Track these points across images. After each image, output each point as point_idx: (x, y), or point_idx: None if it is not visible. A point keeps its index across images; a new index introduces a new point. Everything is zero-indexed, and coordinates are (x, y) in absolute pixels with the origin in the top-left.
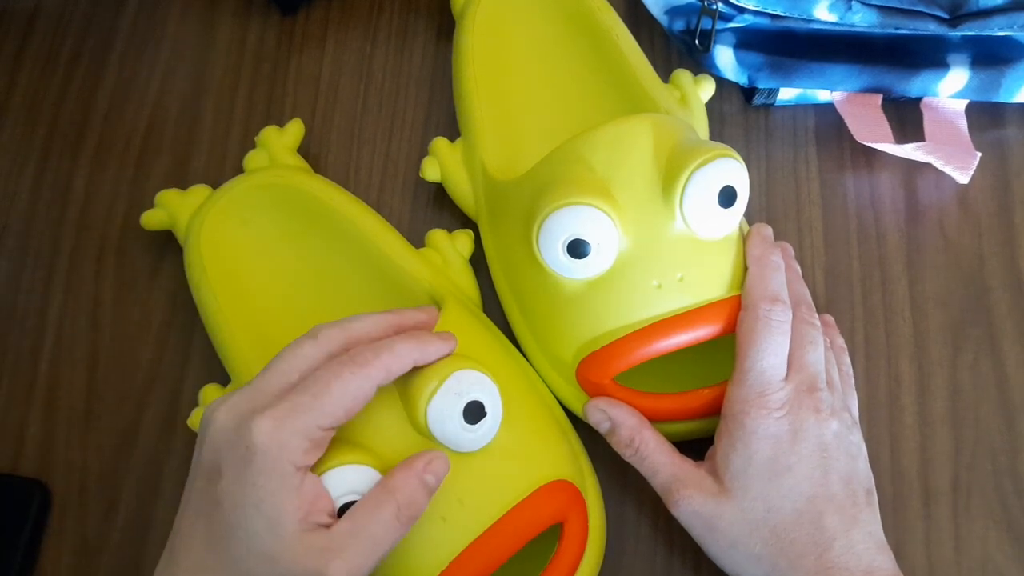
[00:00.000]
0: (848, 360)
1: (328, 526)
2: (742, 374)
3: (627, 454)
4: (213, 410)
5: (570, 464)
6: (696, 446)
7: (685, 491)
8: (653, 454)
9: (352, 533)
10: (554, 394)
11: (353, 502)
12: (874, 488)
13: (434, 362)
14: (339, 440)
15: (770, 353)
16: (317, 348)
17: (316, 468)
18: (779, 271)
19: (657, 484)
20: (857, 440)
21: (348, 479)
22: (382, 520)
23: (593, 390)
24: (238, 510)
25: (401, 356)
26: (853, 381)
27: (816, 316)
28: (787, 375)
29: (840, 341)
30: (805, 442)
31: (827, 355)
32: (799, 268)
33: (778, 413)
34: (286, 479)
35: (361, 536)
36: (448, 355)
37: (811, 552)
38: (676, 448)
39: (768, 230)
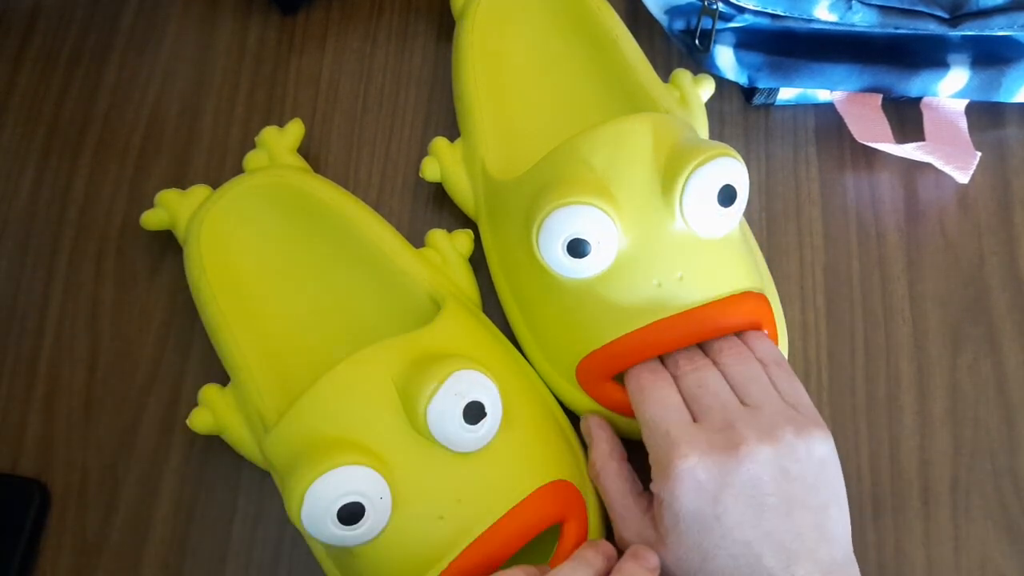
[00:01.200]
0: (782, 365)
1: None
2: (647, 444)
3: (590, 474)
4: None
5: (570, 464)
6: None
7: (624, 533)
8: (610, 486)
9: None
10: (554, 394)
11: (354, 502)
12: (835, 500)
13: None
14: (339, 440)
15: (655, 407)
16: None
17: (316, 470)
18: (640, 364)
19: (608, 513)
20: (808, 452)
21: (348, 479)
22: None
23: (593, 389)
24: None
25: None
26: (794, 378)
27: (690, 359)
28: (695, 420)
29: (767, 353)
30: (729, 487)
31: (743, 372)
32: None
33: (689, 463)
34: None
35: None
36: None
37: None
38: (638, 485)
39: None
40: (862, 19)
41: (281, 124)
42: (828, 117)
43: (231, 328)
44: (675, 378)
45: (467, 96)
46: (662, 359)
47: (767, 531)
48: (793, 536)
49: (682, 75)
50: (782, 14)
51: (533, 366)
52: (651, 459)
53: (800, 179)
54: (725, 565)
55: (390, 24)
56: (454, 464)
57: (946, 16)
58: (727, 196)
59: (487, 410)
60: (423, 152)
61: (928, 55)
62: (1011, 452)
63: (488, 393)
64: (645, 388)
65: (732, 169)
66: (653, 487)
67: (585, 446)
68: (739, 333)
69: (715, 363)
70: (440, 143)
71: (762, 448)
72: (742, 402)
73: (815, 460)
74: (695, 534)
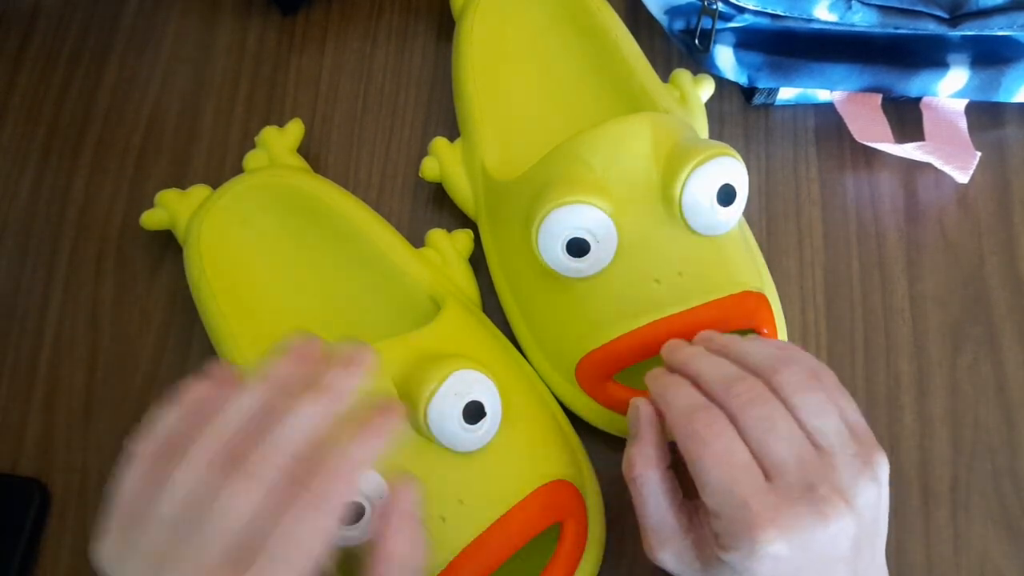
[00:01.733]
0: (830, 376)
1: None
2: (710, 506)
3: (626, 474)
4: None
5: (570, 464)
6: None
7: (661, 551)
8: (646, 498)
9: None
10: (554, 393)
11: (355, 502)
12: (886, 527)
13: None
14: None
15: (717, 465)
16: (256, 488)
17: None
18: (678, 386)
19: (640, 522)
20: (877, 494)
21: None
22: None
23: (592, 389)
24: None
25: (362, 463)
26: (843, 390)
27: (748, 383)
28: (768, 478)
29: (816, 368)
30: (812, 560)
31: (803, 403)
32: (720, 338)
33: (774, 544)
34: None
35: None
36: (401, 425)
37: None
38: (679, 495)
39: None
40: (862, 19)
41: (281, 124)
42: (828, 117)
43: (231, 328)
44: (726, 408)
45: (467, 96)
46: (697, 375)
47: None
48: None
49: (682, 75)
50: (782, 14)
51: (533, 366)
52: (719, 523)
53: (800, 179)
54: None
55: (390, 24)
56: (454, 464)
57: (946, 16)
58: (726, 195)
59: (487, 410)
60: (423, 152)
61: (928, 55)
62: (1011, 452)
63: (488, 393)
64: (705, 439)
65: (731, 168)
66: (720, 552)
67: (585, 446)
68: (739, 332)
69: (770, 387)
70: (440, 143)
71: (846, 513)
72: (812, 443)
73: (883, 495)
74: None
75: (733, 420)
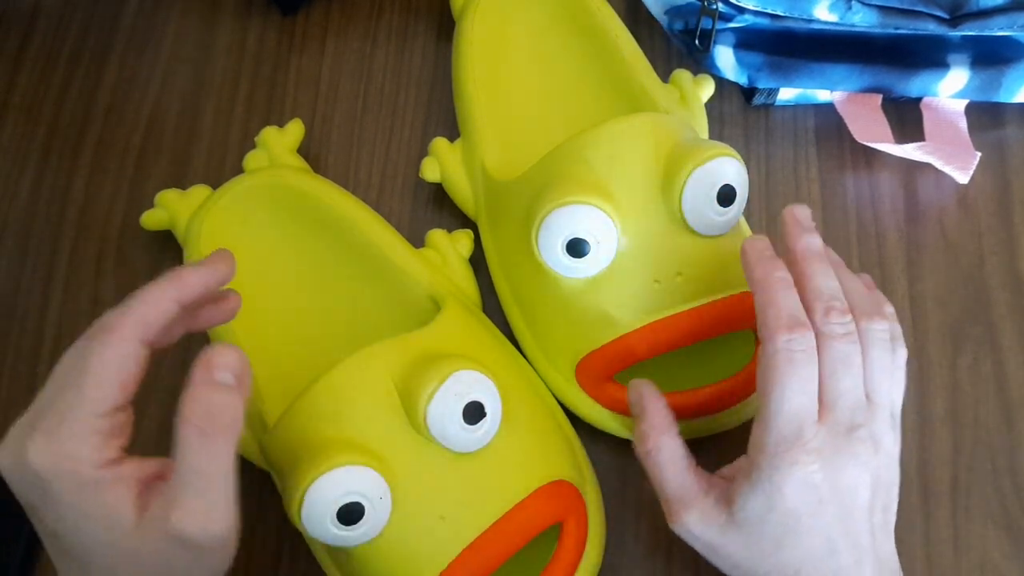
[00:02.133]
0: (904, 352)
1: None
2: (768, 418)
3: (639, 451)
4: None
5: (570, 464)
6: (696, 446)
7: (687, 514)
8: (664, 464)
9: (176, 482)
10: (554, 394)
11: (354, 502)
12: (896, 496)
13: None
14: (338, 440)
15: (797, 392)
16: (91, 343)
17: (316, 470)
18: (789, 288)
19: (660, 496)
20: (894, 455)
21: (348, 479)
22: (193, 452)
23: (592, 389)
24: (73, 536)
25: (156, 301)
26: (904, 372)
27: (847, 319)
28: (820, 414)
29: (896, 330)
30: (836, 491)
31: (879, 358)
32: (816, 245)
33: (812, 466)
34: (100, 483)
35: (184, 479)
36: (216, 277)
37: None
38: (693, 461)
39: (763, 242)
40: (862, 19)
41: (281, 124)
42: (828, 117)
43: (231, 328)
44: (816, 326)
45: (467, 96)
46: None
47: (849, 531)
48: (868, 534)
49: (682, 75)
50: (782, 14)
51: (533, 366)
52: (765, 440)
53: (800, 179)
54: (798, 556)
55: (390, 24)
56: (454, 464)
57: (946, 16)
58: (726, 196)
59: (487, 410)
60: (423, 152)
61: (928, 55)
62: (1011, 452)
63: (488, 393)
64: (795, 360)
65: (731, 169)
66: (755, 471)
67: (585, 446)
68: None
69: (860, 331)
70: (440, 143)
71: (872, 460)
72: (866, 392)
73: (896, 462)
74: (782, 527)
75: (818, 339)
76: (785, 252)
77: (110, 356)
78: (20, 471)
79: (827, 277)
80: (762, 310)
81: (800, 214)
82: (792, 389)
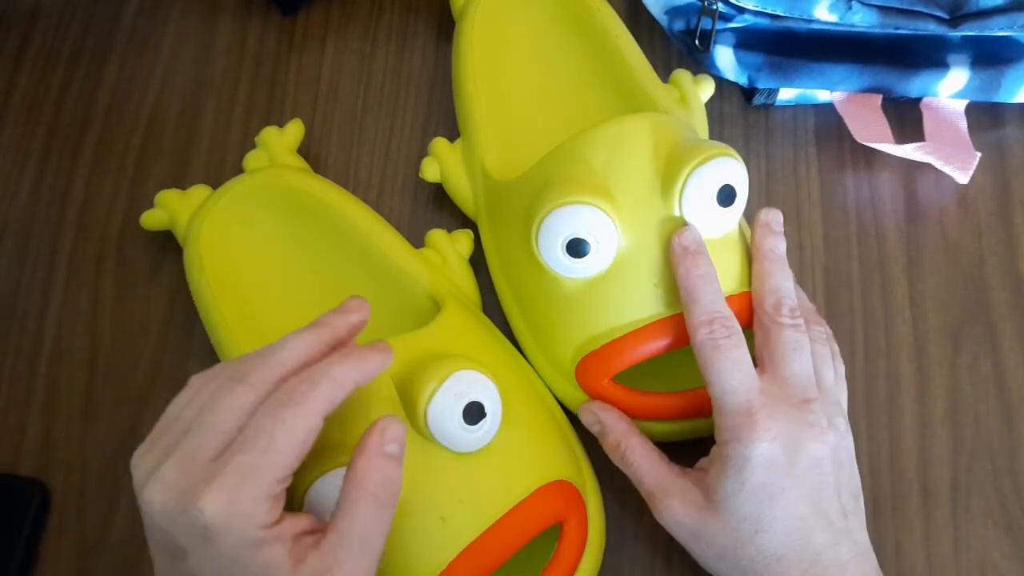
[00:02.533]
0: (841, 365)
1: (317, 543)
2: (715, 403)
3: (615, 459)
4: (143, 485)
5: (570, 464)
6: (695, 446)
7: (668, 501)
8: (638, 461)
9: (340, 542)
10: (553, 394)
11: None
12: (860, 487)
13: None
14: (337, 443)
15: (731, 371)
16: (249, 393)
17: (317, 471)
18: (709, 284)
19: (642, 491)
20: (849, 444)
21: None
22: (364, 516)
23: (592, 389)
24: None
25: (341, 382)
26: (845, 382)
27: (797, 314)
28: (770, 391)
29: (834, 346)
30: (799, 463)
31: (820, 352)
32: (781, 247)
33: (770, 434)
34: (263, 543)
35: (350, 540)
36: (386, 366)
37: (797, 568)
38: (664, 456)
39: (690, 236)
40: (862, 19)
41: (281, 124)
42: (828, 117)
43: (231, 328)
44: (766, 320)
45: (467, 96)
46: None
47: (822, 509)
48: (840, 516)
49: (682, 75)
50: (782, 14)
51: (533, 366)
52: (723, 419)
53: (800, 179)
54: (778, 539)
55: (390, 24)
56: (454, 464)
57: (946, 16)
58: (726, 196)
59: (487, 410)
60: (423, 152)
61: (928, 55)
62: (1011, 452)
63: (488, 393)
64: (720, 346)
65: (731, 169)
66: (721, 448)
67: (585, 446)
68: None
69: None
70: (440, 143)
71: (828, 433)
72: (816, 381)
73: (852, 453)
74: (755, 504)
75: (764, 332)
76: (674, 271)
77: (299, 430)
78: (183, 517)
79: (784, 279)
80: (685, 305)
81: (772, 217)
82: (725, 371)
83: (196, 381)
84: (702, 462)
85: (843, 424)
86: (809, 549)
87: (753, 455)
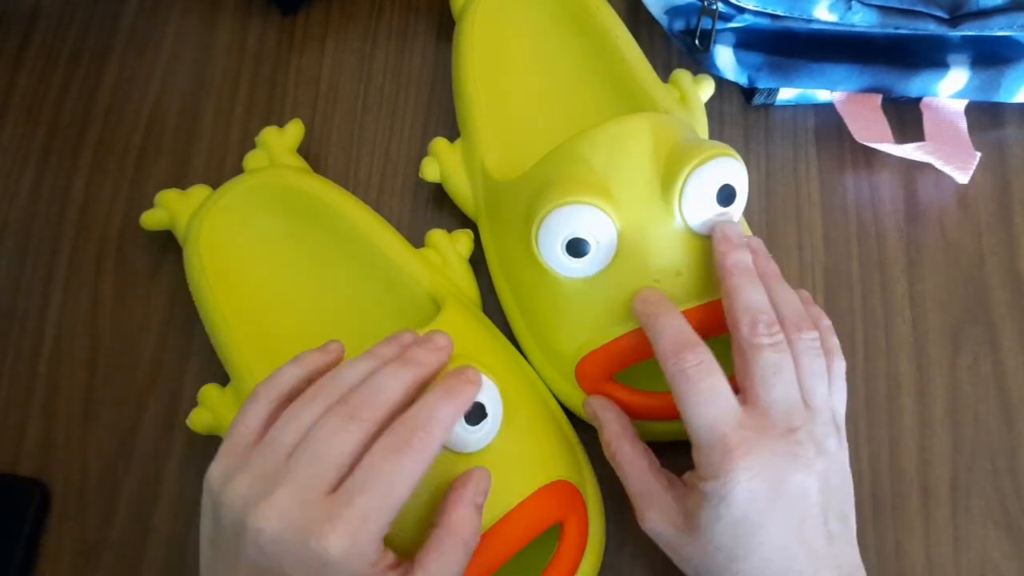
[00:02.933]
0: (841, 363)
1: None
2: (692, 438)
3: (607, 456)
4: (249, 507)
5: (570, 464)
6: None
7: (649, 512)
8: (626, 465)
9: None
10: (554, 394)
11: None
12: (853, 505)
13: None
14: None
15: (703, 403)
16: (360, 430)
17: None
18: (670, 314)
19: (628, 494)
20: (842, 465)
21: None
22: (453, 562)
23: (592, 389)
24: None
25: (449, 425)
26: (844, 382)
27: (775, 330)
28: (753, 421)
29: (831, 345)
30: (783, 497)
31: (809, 365)
32: (745, 261)
33: (749, 472)
34: None
35: None
36: (474, 391)
37: None
38: (655, 462)
39: (654, 292)
40: (862, 19)
41: (281, 124)
42: (828, 117)
43: (231, 328)
44: (741, 342)
45: (467, 96)
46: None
47: (804, 539)
48: (824, 543)
49: (682, 75)
50: (782, 14)
51: (533, 366)
52: (699, 456)
53: (800, 179)
54: (755, 567)
55: (390, 24)
56: (455, 465)
57: (946, 16)
58: (726, 196)
59: (487, 411)
60: (423, 152)
61: (928, 55)
62: (1011, 452)
63: (488, 394)
64: (691, 377)
65: (731, 169)
66: (698, 482)
67: (585, 446)
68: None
69: (789, 341)
70: (440, 143)
71: (817, 462)
72: (803, 397)
73: (846, 470)
74: (732, 536)
75: (742, 357)
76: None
77: (415, 475)
78: (302, 550)
79: (754, 291)
80: (653, 342)
81: (729, 231)
82: (697, 403)
83: (273, 397)
84: (687, 476)
85: (835, 443)
86: None
87: (730, 494)
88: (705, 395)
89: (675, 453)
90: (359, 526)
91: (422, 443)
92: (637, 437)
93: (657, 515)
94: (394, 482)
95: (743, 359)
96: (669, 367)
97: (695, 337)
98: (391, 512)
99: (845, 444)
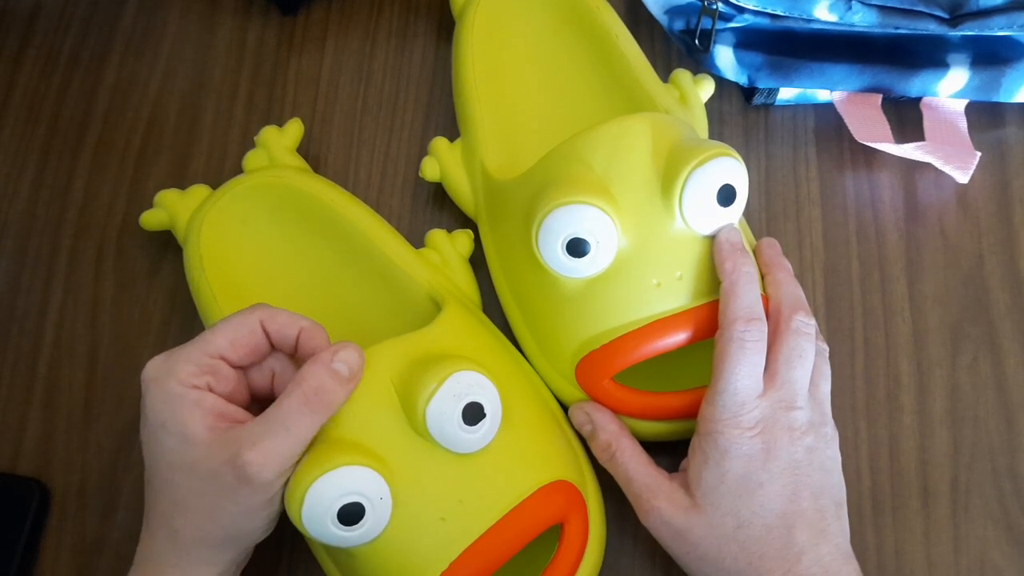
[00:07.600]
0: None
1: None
2: (715, 394)
3: (603, 459)
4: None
5: (570, 464)
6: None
7: (655, 502)
8: (628, 462)
9: (263, 424)
10: (554, 394)
11: (354, 503)
12: (845, 499)
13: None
14: (339, 441)
15: (743, 375)
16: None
17: (316, 471)
18: (752, 283)
19: (630, 493)
20: (833, 453)
21: (348, 480)
22: (290, 409)
23: (592, 389)
24: (152, 440)
25: (274, 313)
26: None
27: (811, 321)
28: (765, 391)
29: (822, 345)
30: (777, 460)
31: (822, 368)
32: (790, 266)
33: (751, 433)
34: (181, 397)
35: (270, 426)
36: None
37: (780, 567)
38: (651, 459)
39: (737, 235)
40: (862, 19)
41: (281, 124)
42: (828, 117)
43: None
44: (779, 323)
45: (467, 96)
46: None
47: (802, 508)
48: (820, 518)
49: (682, 75)
50: (782, 14)
51: (533, 366)
52: (711, 413)
53: (800, 179)
54: (759, 535)
55: (390, 24)
56: (454, 465)
57: (946, 16)
58: (726, 196)
59: (486, 411)
60: (423, 152)
61: (928, 55)
62: (1011, 452)
63: (487, 394)
64: (746, 349)
65: (731, 169)
66: (702, 442)
67: (586, 445)
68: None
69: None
70: (440, 143)
71: (807, 437)
72: (795, 391)
73: (839, 466)
74: (735, 498)
75: (778, 336)
76: (719, 265)
77: (234, 321)
78: (141, 383)
79: (793, 287)
80: (725, 297)
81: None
82: (740, 373)
83: None
84: (684, 463)
85: (830, 432)
86: (791, 548)
87: (732, 447)
88: (747, 368)
89: (675, 453)
90: (172, 351)
91: (245, 310)
92: (632, 435)
93: (665, 502)
94: (215, 326)
95: (780, 337)
96: (731, 330)
97: (762, 314)
98: (206, 344)
99: (836, 437)
